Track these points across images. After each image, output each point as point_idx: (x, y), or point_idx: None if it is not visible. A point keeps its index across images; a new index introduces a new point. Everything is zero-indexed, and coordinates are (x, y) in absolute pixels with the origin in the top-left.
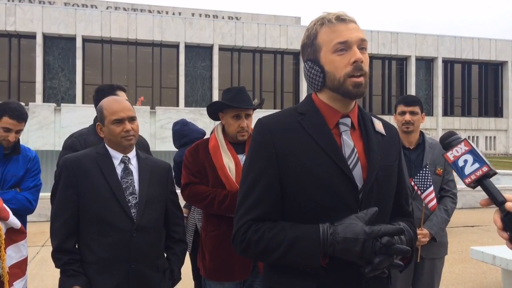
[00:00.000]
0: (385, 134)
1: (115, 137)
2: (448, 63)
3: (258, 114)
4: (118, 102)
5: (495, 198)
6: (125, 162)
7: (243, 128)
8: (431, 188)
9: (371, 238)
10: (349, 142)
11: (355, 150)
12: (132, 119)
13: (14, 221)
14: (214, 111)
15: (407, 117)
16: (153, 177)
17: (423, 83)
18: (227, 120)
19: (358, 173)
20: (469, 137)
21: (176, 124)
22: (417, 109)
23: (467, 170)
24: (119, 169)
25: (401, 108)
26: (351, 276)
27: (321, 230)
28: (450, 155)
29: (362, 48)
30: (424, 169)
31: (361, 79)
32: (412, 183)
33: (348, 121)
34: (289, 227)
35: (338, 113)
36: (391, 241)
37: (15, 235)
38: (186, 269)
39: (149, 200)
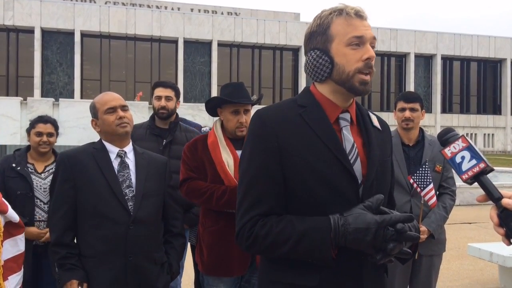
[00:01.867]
0: (380, 129)
1: (109, 127)
2: (447, 60)
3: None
4: (108, 94)
5: (491, 195)
6: (121, 156)
7: (242, 123)
8: (431, 185)
9: (382, 227)
10: (349, 137)
11: (355, 145)
12: (124, 107)
13: (12, 214)
14: (213, 107)
15: (407, 113)
16: (150, 171)
17: (422, 80)
18: (226, 116)
19: (357, 168)
20: (467, 134)
21: None
22: (417, 105)
23: (464, 167)
24: (115, 163)
25: (401, 104)
26: (353, 268)
27: (332, 221)
28: (448, 151)
29: (372, 46)
30: (424, 166)
31: (368, 77)
32: (411, 181)
33: (347, 116)
34: (297, 220)
35: (338, 107)
36: (405, 228)
37: (13, 229)
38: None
39: (146, 194)
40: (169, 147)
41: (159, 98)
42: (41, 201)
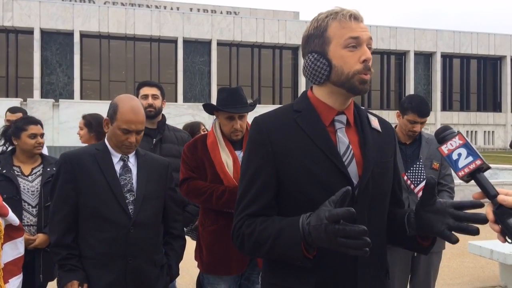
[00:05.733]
0: (380, 130)
1: (117, 142)
2: (447, 58)
3: (258, 109)
4: (134, 113)
5: (487, 192)
6: (124, 160)
7: (236, 129)
8: (424, 182)
9: (331, 222)
10: (344, 139)
11: (350, 147)
12: (139, 132)
13: (13, 217)
14: (209, 112)
15: (418, 128)
16: (151, 174)
17: (421, 78)
18: (221, 121)
19: (353, 170)
20: (467, 131)
21: None
22: (427, 118)
23: (461, 164)
24: (117, 167)
25: (413, 117)
26: (349, 272)
27: (300, 220)
28: (445, 148)
29: (369, 47)
30: (418, 163)
31: (368, 76)
32: (405, 178)
33: (343, 118)
34: (277, 219)
35: (334, 110)
36: (339, 227)
37: (13, 232)
38: (185, 264)
39: (147, 196)
40: (160, 146)
41: (145, 96)
42: (29, 204)
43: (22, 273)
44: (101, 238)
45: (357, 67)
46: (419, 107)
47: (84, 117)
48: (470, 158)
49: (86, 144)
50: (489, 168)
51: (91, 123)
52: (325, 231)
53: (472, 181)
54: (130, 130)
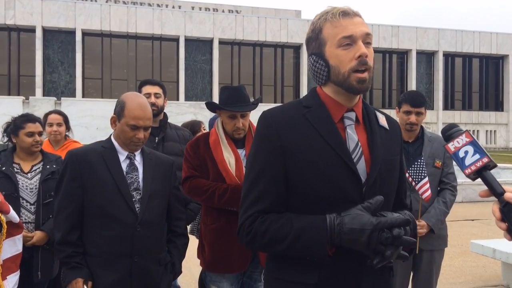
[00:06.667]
0: (388, 128)
1: (125, 139)
2: (449, 57)
3: (259, 108)
4: (142, 109)
5: (494, 189)
6: (130, 158)
7: (239, 128)
8: (426, 179)
9: (377, 229)
10: (353, 136)
11: (359, 144)
12: (147, 128)
13: (13, 215)
14: (212, 110)
15: (413, 118)
16: (157, 172)
17: (423, 76)
18: (224, 119)
19: (361, 167)
20: (469, 131)
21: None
22: (422, 109)
23: (468, 161)
24: (124, 165)
25: (407, 107)
26: (352, 267)
27: (328, 220)
28: (451, 146)
29: (367, 42)
30: (419, 160)
31: (365, 74)
32: (407, 175)
33: (352, 115)
34: (296, 217)
35: (343, 107)
36: (401, 233)
37: (13, 229)
38: (187, 262)
39: (152, 195)
40: (162, 144)
41: (148, 95)
42: (27, 201)
43: (19, 270)
44: (107, 236)
45: (351, 64)
46: (410, 96)
47: (60, 112)
48: (477, 156)
49: (45, 142)
50: (495, 166)
51: (67, 120)
52: (369, 236)
53: (475, 180)
54: (138, 126)
